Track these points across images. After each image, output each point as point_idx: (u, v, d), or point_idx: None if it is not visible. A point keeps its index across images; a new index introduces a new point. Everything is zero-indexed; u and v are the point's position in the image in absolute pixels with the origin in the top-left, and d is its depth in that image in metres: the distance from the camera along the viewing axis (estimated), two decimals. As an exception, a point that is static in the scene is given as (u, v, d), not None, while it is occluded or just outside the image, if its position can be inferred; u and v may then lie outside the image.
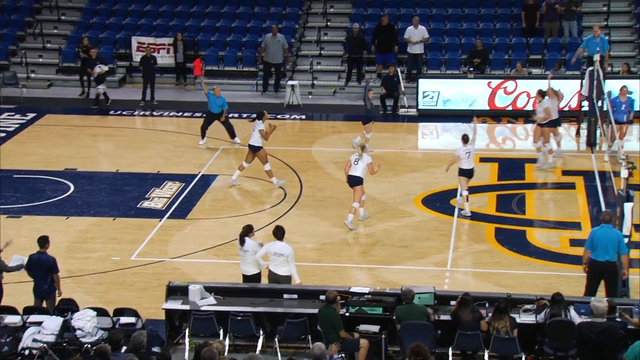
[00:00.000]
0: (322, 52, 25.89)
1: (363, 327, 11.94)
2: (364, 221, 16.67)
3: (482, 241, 16.08)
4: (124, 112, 23.55)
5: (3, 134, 21.69)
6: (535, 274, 14.82)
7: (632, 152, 16.58)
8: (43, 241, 12.85)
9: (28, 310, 12.23)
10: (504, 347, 11.51)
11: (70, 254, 15.53)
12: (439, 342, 11.65)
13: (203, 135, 20.70)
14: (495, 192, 18.20)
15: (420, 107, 23.13)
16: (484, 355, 11.60)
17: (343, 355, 11.11)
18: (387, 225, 16.66)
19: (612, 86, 20.60)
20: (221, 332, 12.07)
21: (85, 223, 16.88)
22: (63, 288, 12.89)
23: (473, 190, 17.64)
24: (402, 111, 23.25)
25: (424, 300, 11.99)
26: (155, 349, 11.05)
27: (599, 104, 19.86)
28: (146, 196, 18.05)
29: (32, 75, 25.78)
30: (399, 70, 23.38)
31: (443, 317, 11.90)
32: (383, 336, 11.85)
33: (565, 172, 19.20)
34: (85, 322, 11.67)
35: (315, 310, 11.88)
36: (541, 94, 19.08)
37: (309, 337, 11.93)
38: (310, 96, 24.61)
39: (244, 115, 22.61)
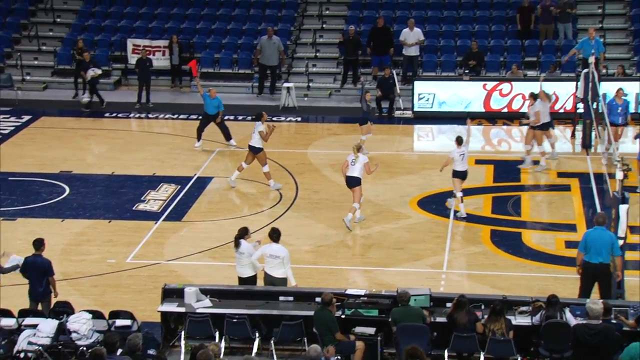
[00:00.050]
0: (317, 54, 25.91)
1: (359, 329, 11.94)
2: (360, 223, 16.67)
3: (477, 243, 16.10)
4: (120, 115, 23.53)
5: (-2, 137, 21.70)
6: (530, 276, 14.83)
7: (627, 154, 16.60)
8: (38, 244, 12.84)
9: (23, 313, 12.21)
10: (500, 349, 11.52)
11: (66, 256, 15.51)
12: (435, 344, 11.67)
13: (199, 137, 20.70)
14: (491, 194, 18.22)
15: (415, 109, 23.15)
16: (479, 357, 11.61)
17: (339, 357, 11.11)
18: (383, 227, 16.67)
19: (607, 88, 20.66)
20: (217, 334, 12.06)
21: (80, 225, 16.86)
22: (58, 290, 12.88)
23: (469, 192, 17.67)
24: (397, 113, 23.27)
25: (419, 302, 11.99)
26: (151, 352, 11.04)
27: (594, 106, 19.90)
28: (142, 198, 18.04)
29: (28, 77, 25.75)
30: (394, 72, 23.39)
31: (439, 319, 11.91)
32: (379, 338, 11.85)
33: (561, 174, 19.24)
34: (81, 325, 11.65)
35: (311, 313, 11.88)
36: (533, 96, 19.15)
37: (305, 340, 11.93)
38: (305, 98, 24.63)
39: (240, 118, 22.62)
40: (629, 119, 19.89)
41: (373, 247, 16.02)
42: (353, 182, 16.34)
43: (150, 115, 23.57)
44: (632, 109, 20.60)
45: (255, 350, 12.04)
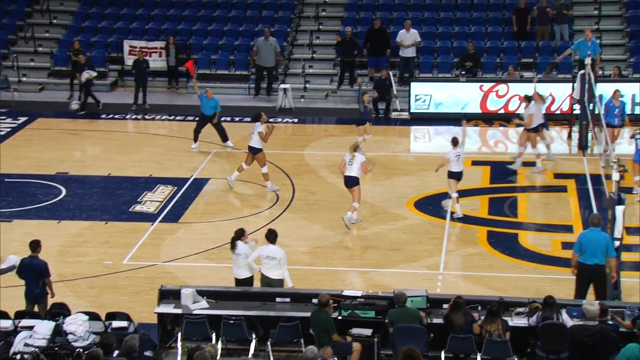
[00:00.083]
0: (314, 55, 25.91)
1: (355, 331, 11.94)
2: (357, 224, 16.67)
3: (474, 244, 16.10)
4: (116, 116, 23.51)
5: (-6, 138, 21.67)
6: (527, 277, 14.84)
7: (623, 156, 16.62)
8: (35, 245, 12.82)
9: (20, 315, 12.18)
10: (497, 350, 11.52)
11: (62, 258, 15.49)
12: (432, 345, 11.67)
13: (196, 138, 20.69)
14: (488, 195, 18.23)
15: (412, 110, 23.17)
16: (476, 359, 11.61)
17: (336, 358, 11.11)
18: (380, 229, 16.67)
19: (604, 89, 20.69)
20: (213, 335, 12.05)
21: (77, 227, 16.84)
22: (55, 292, 12.86)
23: (466, 193, 17.68)
24: (394, 114, 23.29)
25: (416, 304, 11.99)
26: (148, 353, 11.02)
27: (591, 107, 19.93)
28: (138, 200, 18.02)
29: (24, 79, 25.73)
30: (391, 73, 23.41)
31: (436, 321, 11.91)
32: (375, 339, 11.85)
33: (557, 175, 19.25)
34: (77, 327, 11.63)
35: (308, 314, 11.88)
36: (527, 99, 19.20)
37: (302, 341, 11.92)
38: (302, 99, 24.63)
39: (236, 119, 22.62)
40: (626, 120, 19.93)
41: (370, 248, 16.02)
42: (351, 182, 16.37)
43: (146, 117, 23.56)
44: (628, 110, 20.65)
45: (252, 351, 12.04)
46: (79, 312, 12.07)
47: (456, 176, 16.75)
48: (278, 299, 12.56)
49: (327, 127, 23.14)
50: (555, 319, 11.57)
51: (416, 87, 23.21)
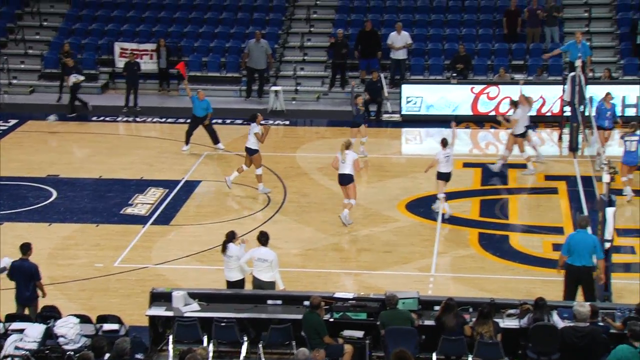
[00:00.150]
0: (305, 57, 25.92)
1: (347, 333, 11.94)
2: (348, 227, 16.67)
3: (465, 246, 16.13)
4: (107, 118, 23.47)
5: (-15, 141, 21.60)
6: (518, 279, 14.87)
7: (614, 157, 16.67)
8: (25, 248, 12.78)
9: (10, 318, 12.14)
10: (488, 352, 11.53)
11: (53, 260, 15.44)
12: (423, 347, 11.67)
13: (187, 140, 20.66)
14: (479, 197, 18.26)
15: (403, 112, 23.20)
16: (467, 360, 11.64)
17: (327, 360, 11.11)
18: (371, 231, 16.68)
19: (594, 92, 20.75)
20: (205, 338, 12.03)
21: (68, 229, 16.80)
22: (46, 293, 12.83)
23: (457, 195, 17.71)
24: (385, 117, 23.31)
25: (408, 306, 12.00)
26: (139, 356, 11.01)
27: (581, 109, 19.99)
28: (129, 202, 17.99)
29: (14, 81, 25.65)
30: (382, 75, 23.43)
31: (427, 322, 11.92)
32: (367, 341, 11.85)
33: (548, 177, 19.30)
34: (68, 329, 11.60)
35: (300, 316, 11.87)
36: (514, 104, 19.26)
37: (293, 343, 11.91)
38: (294, 102, 24.63)
39: (228, 121, 22.60)
40: (619, 122, 19.99)
41: (361, 250, 16.03)
42: (346, 180, 16.43)
43: (137, 119, 23.51)
44: (618, 112, 20.73)
45: (243, 354, 12.02)
46: (69, 314, 12.03)
47: (445, 177, 16.81)
48: (269, 302, 12.55)
49: (319, 130, 23.15)
50: (546, 320, 11.59)
51: (407, 89, 23.24)
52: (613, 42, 25.48)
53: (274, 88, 24.16)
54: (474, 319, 11.72)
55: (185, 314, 12.22)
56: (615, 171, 13.56)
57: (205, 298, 12.61)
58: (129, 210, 17.63)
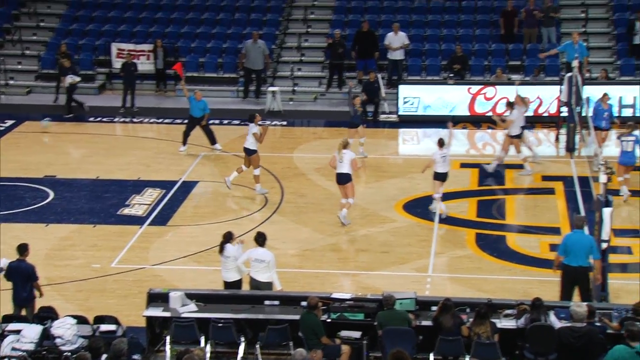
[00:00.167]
0: (302, 58, 25.92)
1: (344, 333, 11.94)
2: (346, 227, 16.68)
3: (463, 247, 16.14)
4: (104, 119, 23.46)
5: (-18, 141, 21.58)
6: (515, 279, 14.88)
7: (610, 158, 16.70)
8: (22, 249, 12.78)
9: (7, 319, 12.13)
10: (485, 352, 11.54)
11: (50, 261, 15.43)
12: (420, 347, 11.68)
13: (185, 141, 20.65)
14: (476, 198, 18.28)
15: (400, 113, 23.21)
16: (465, 361, 11.64)
17: (325, 361, 11.11)
18: (369, 231, 16.68)
19: (591, 92, 20.77)
20: (202, 339, 12.03)
21: (65, 230, 16.79)
22: (43, 292, 12.82)
23: (454, 196, 17.73)
24: (382, 117, 23.33)
25: (405, 306, 12.00)
26: (136, 357, 11.01)
27: (578, 109, 20.01)
28: (126, 203, 17.98)
29: (11, 82, 25.63)
30: (379, 76, 23.44)
31: (424, 323, 11.92)
32: (364, 342, 11.85)
33: (545, 178, 19.32)
34: (65, 330, 11.59)
35: (297, 317, 11.87)
36: (510, 105, 19.28)
37: (291, 344, 11.91)
38: (291, 102, 24.63)
39: (225, 122, 22.60)
40: (617, 122, 20.02)
41: (359, 250, 16.03)
42: (344, 179, 16.45)
43: (134, 120, 23.51)
44: (615, 113, 20.75)
45: (240, 354, 12.02)
46: (66, 315, 12.02)
47: (441, 177, 16.84)
48: (267, 302, 12.54)
49: (316, 130, 23.15)
50: (544, 320, 11.60)
51: (404, 90, 23.26)
52: (610, 42, 25.50)
53: (271, 88, 24.17)
54: (471, 320, 11.73)
55: (183, 315, 12.21)
56: (612, 172, 13.57)
57: (203, 299, 12.60)
58: (126, 211, 17.62)
